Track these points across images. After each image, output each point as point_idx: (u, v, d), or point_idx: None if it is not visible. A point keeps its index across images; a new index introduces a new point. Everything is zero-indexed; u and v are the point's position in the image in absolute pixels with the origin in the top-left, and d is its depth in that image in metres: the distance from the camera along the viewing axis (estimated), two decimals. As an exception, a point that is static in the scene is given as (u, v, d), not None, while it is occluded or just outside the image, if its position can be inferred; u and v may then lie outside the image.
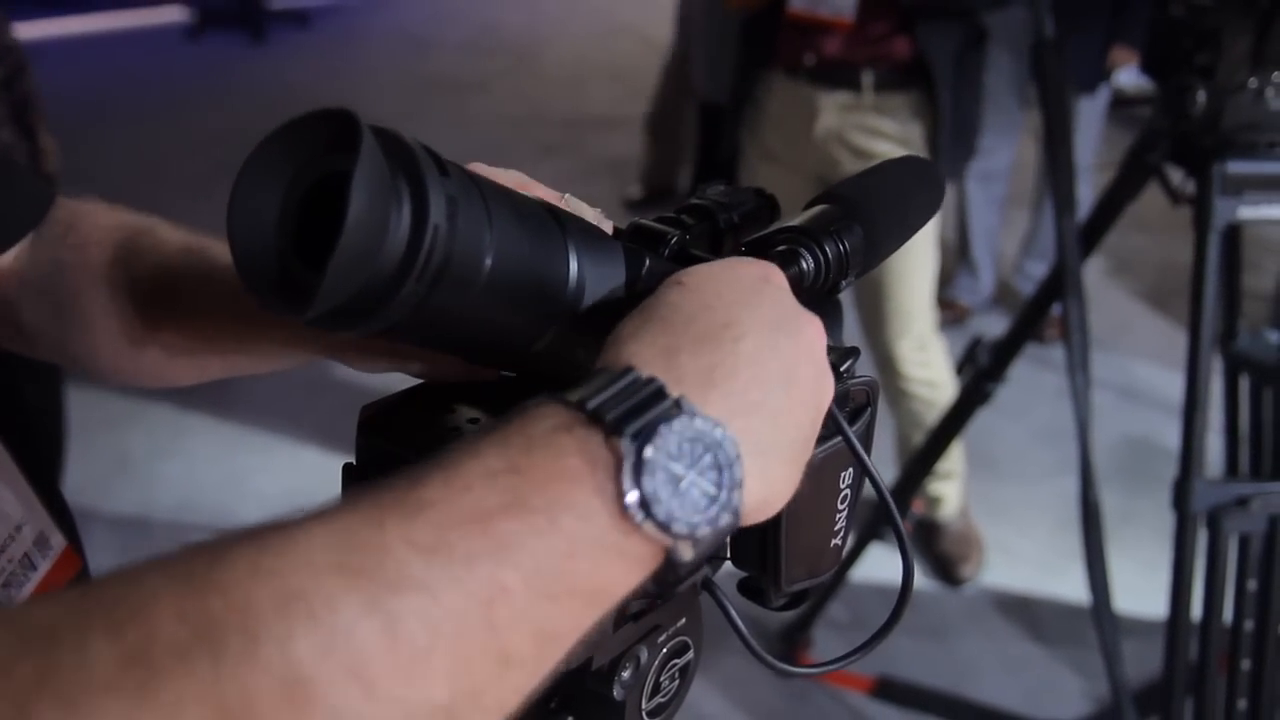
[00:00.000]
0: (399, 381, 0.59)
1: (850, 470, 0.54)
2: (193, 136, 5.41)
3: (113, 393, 3.28)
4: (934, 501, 2.64)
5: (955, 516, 2.67)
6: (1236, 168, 1.58)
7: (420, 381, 0.59)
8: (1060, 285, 1.85)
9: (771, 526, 0.51)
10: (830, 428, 0.51)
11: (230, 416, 3.22)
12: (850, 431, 0.50)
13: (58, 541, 0.73)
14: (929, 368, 2.49)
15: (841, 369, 0.52)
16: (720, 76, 2.91)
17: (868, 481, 0.55)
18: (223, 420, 3.21)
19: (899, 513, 0.52)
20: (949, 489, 2.63)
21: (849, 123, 2.33)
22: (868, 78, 2.29)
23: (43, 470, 0.76)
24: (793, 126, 2.39)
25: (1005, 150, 3.62)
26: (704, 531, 0.41)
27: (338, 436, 3.02)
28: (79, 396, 2.92)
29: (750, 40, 2.41)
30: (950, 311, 3.71)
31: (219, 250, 0.70)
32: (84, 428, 2.84)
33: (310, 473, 2.93)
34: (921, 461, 2.27)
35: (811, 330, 0.49)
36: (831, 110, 2.33)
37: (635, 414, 0.41)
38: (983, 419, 2.22)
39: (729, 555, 0.55)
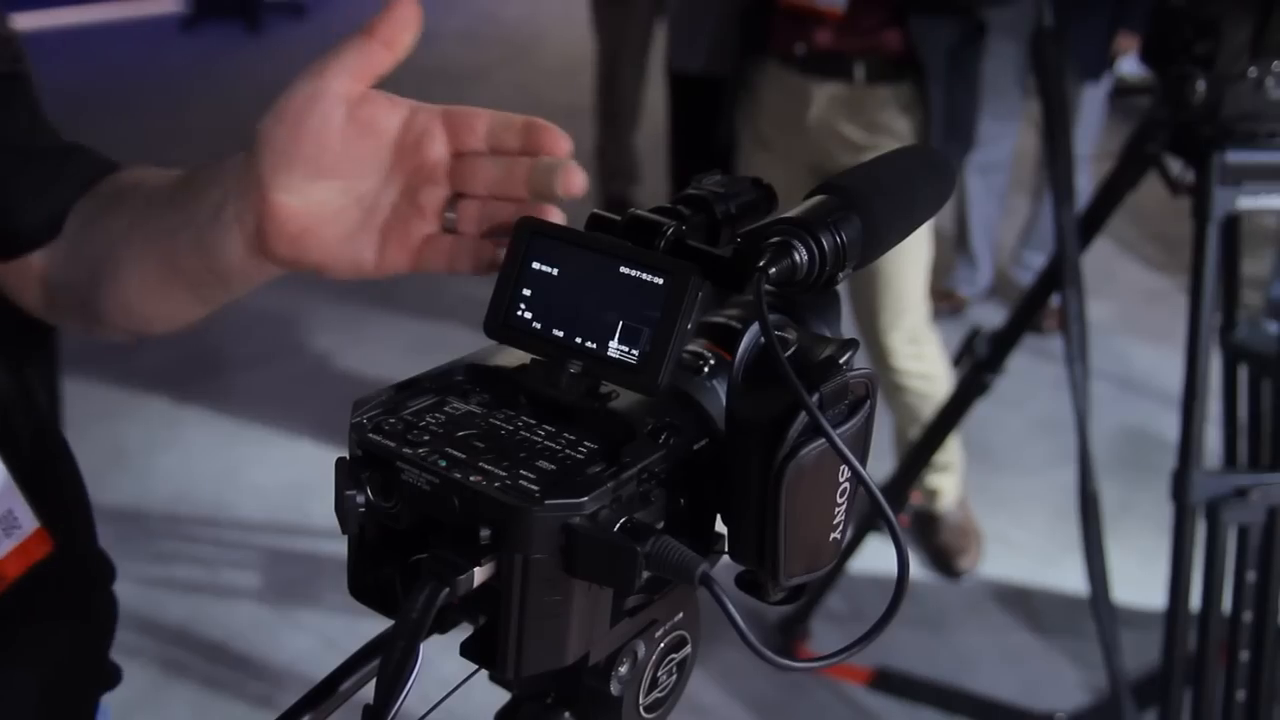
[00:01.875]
0: (402, 374, 0.59)
1: (849, 464, 0.54)
2: (188, 127, 5.40)
3: (107, 384, 3.27)
4: (931, 493, 2.64)
5: (953, 508, 2.67)
6: (1236, 157, 1.57)
7: (413, 375, 0.59)
8: (1059, 276, 1.85)
9: (770, 522, 0.51)
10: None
11: (226, 409, 3.22)
12: (834, 433, 0.49)
13: (28, 521, 0.73)
14: (922, 360, 2.49)
15: (840, 361, 0.51)
16: (703, 43, 2.89)
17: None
18: (219, 412, 3.21)
19: (893, 507, 0.52)
20: (946, 481, 2.63)
21: (840, 114, 2.33)
22: (859, 69, 2.28)
23: (34, 455, 0.76)
24: (786, 115, 2.38)
25: (1006, 141, 3.61)
26: None
27: (335, 429, 3.01)
28: (73, 389, 2.92)
29: (746, 25, 2.40)
30: (948, 302, 3.71)
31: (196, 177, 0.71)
32: (79, 420, 2.83)
33: (307, 465, 2.93)
34: (919, 453, 2.27)
35: None
36: (823, 101, 2.32)
37: None
38: (981, 410, 2.22)
39: (727, 550, 0.55)
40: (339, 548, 0.53)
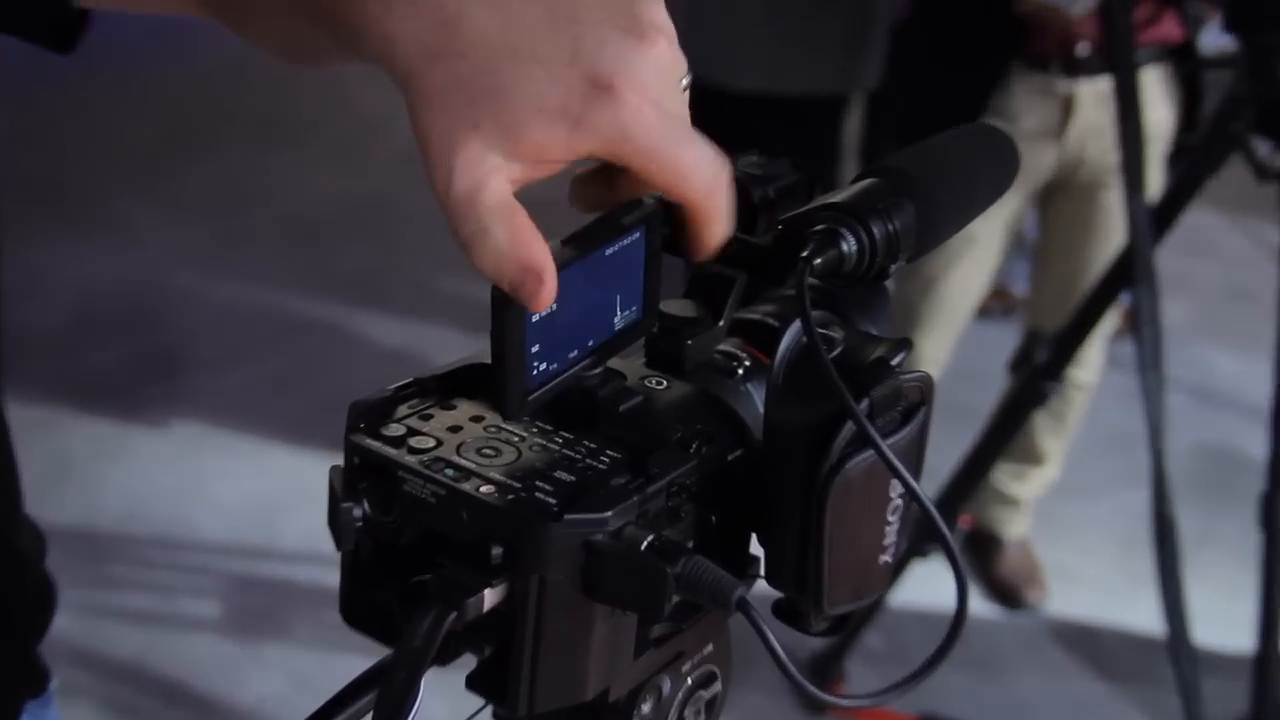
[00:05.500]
0: (389, 377, 0.59)
1: (902, 478, 0.54)
2: (152, 99, 5.42)
3: (50, 386, 3.29)
4: (1010, 506, 2.65)
5: (1019, 538, 2.68)
6: (1332, 139, 1.58)
7: (415, 376, 0.59)
8: (1129, 272, 1.86)
9: (813, 543, 0.52)
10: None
11: (186, 415, 3.23)
12: (883, 444, 0.50)
13: None
14: (1087, 368, 2.51)
15: (892, 362, 0.52)
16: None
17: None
18: (177, 419, 3.22)
19: (947, 526, 0.52)
20: (1026, 500, 2.64)
21: (1103, 108, 2.27)
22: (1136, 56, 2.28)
23: None
24: (1042, 128, 2.33)
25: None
26: None
27: (309, 437, 3.02)
28: (12, 391, 2.93)
29: (983, 33, 2.35)
30: (1001, 301, 3.70)
31: None
32: (16, 426, 2.84)
33: (277, 479, 2.94)
34: (970, 472, 2.28)
35: None
36: (1090, 100, 2.30)
37: None
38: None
39: (763, 574, 0.55)
40: (311, 572, 0.54)
